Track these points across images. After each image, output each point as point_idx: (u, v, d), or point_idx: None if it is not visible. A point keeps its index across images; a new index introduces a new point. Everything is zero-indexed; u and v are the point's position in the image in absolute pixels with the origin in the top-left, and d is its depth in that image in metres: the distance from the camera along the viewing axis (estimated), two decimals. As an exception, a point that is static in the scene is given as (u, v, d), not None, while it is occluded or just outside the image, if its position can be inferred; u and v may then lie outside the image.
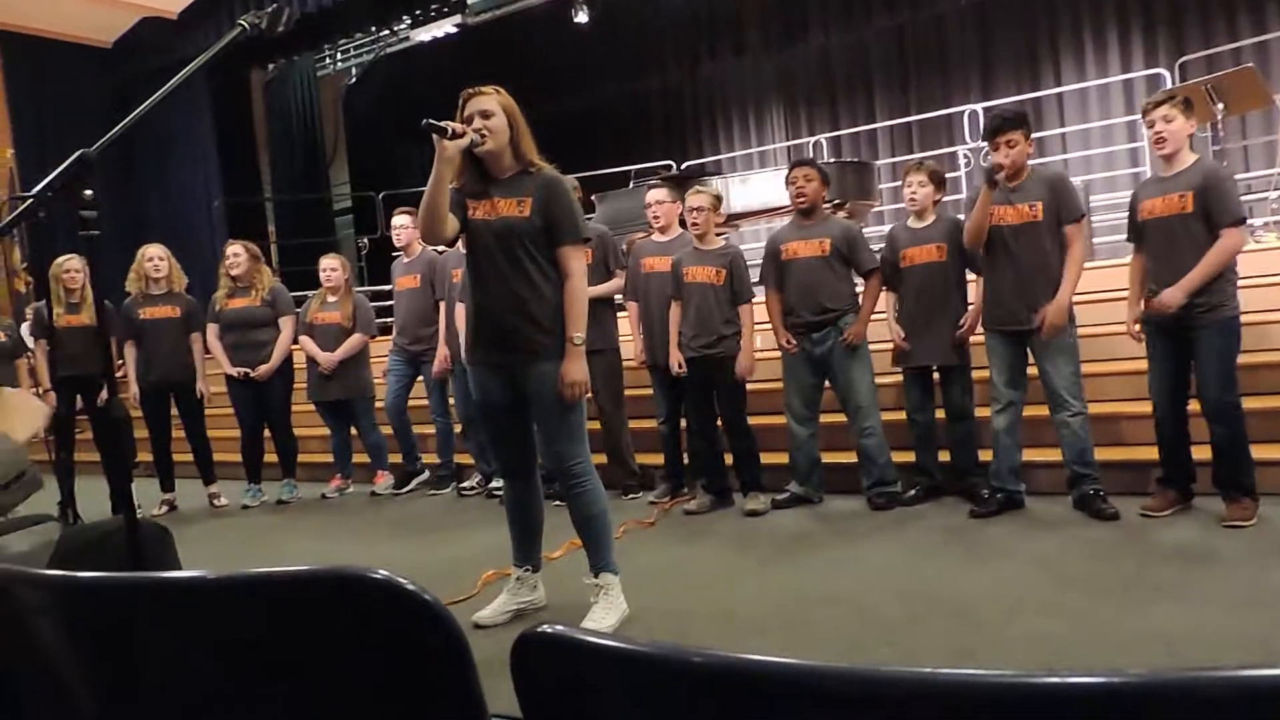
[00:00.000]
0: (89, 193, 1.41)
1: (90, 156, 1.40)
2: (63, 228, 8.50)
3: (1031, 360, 3.88)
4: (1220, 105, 5.86)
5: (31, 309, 6.02)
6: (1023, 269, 3.76)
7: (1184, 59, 8.38)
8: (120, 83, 10.41)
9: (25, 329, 6.77)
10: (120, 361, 5.65)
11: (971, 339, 4.17)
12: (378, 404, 5.80)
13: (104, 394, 5.21)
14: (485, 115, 2.77)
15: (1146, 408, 3.77)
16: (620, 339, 4.90)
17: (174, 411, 5.56)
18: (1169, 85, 7.46)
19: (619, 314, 5.00)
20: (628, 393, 4.99)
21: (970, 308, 4.12)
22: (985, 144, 3.87)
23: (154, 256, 5.45)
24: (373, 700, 0.65)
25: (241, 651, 0.72)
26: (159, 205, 10.68)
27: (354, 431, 5.82)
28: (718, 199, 4.54)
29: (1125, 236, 3.86)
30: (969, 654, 2.49)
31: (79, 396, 5.35)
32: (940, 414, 4.26)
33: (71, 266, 5.32)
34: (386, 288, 5.87)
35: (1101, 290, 5.13)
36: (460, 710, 0.61)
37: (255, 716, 0.73)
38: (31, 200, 1.37)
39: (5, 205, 8.96)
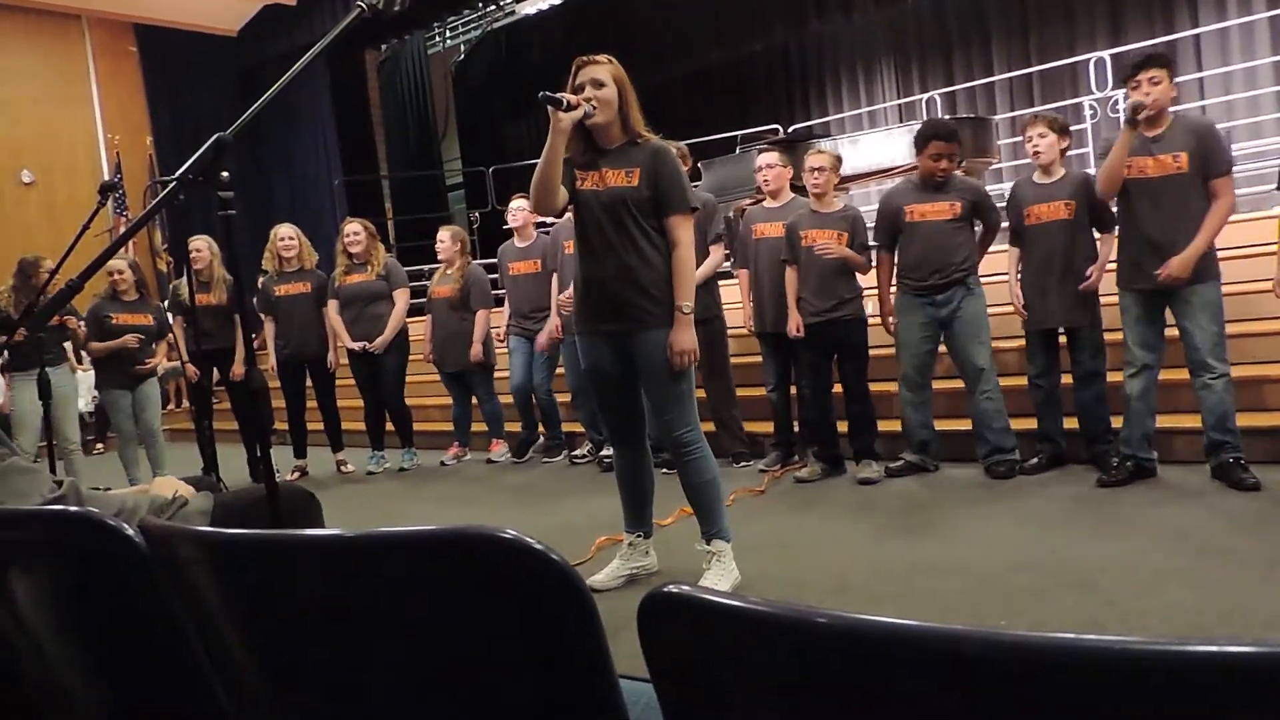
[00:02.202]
0: (226, 174, 1.49)
1: (226, 140, 1.47)
2: (197, 209, 9.03)
3: (1170, 320, 3.66)
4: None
5: (173, 286, 6.42)
6: (1164, 225, 3.50)
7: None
8: (246, 69, 10.92)
9: (166, 305, 7.21)
10: (258, 335, 5.98)
11: (1103, 298, 3.97)
12: (496, 374, 5.95)
13: (237, 366, 5.53)
14: (597, 84, 2.78)
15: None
16: (725, 307, 4.87)
17: (308, 383, 5.84)
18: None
19: (720, 282, 4.95)
20: (737, 360, 4.97)
21: (1095, 263, 3.90)
22: (1123, 88, 3.59)
23: (285, 236, 5.70)
24: (505, 656, 0.67)
25: (376, 606, 0.76)
26: (284, 185, 11.20)
27: (474, 401, 5.99)
28: (838, 159, 4.44)
29: (1275, 186, 3.58)
30: (1098, 627, 2.40)
31: (215, 369, 5.68)
32: (1067, 378, 4.08)
33: (195, 247, 5.60)
34: (494, 261, 5.98)
35: (1243, 245, 4.81)
36: (589, 667, 0.63)
37: (390, 669, 0.77)
38: (175, 183, 1.46)
39: (147, 190, 9.55)
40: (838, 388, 4.48)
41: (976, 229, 4.24)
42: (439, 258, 5.82)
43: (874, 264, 4.38)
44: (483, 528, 0.63)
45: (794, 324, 4.42)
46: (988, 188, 8.55)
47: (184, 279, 5.61)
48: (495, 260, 5.86)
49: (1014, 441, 4.13)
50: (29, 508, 1.44)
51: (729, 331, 4.91)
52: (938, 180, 4.13)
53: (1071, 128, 4.16)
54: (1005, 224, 4.28)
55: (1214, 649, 0.42)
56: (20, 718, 1.28)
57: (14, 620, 1.14)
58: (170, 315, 5.98)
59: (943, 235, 4.10)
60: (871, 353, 4.44)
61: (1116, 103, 7.82)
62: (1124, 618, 2.44)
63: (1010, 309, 4.21)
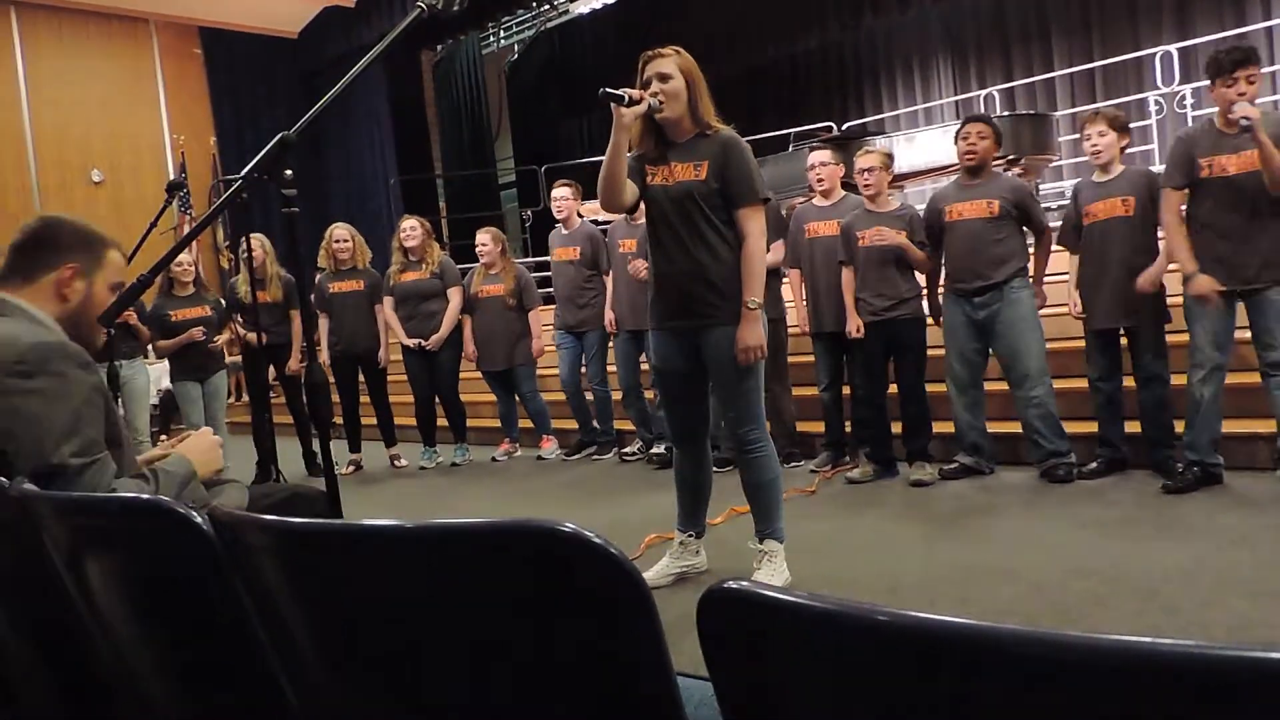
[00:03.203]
0: (289, 173, 1.53)
1: (291, 139, 1.51)
2: (256, 207, 9.20)
3: (1240, 321, 3.55)
4: None
5: (230, 283, 6.56)
6: (1249, 220, 3.42)
7: None
8: (306, 70, 11.13)
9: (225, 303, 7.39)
10: (315, 331, 6.09)
11: (1169, 298, 3.86)
12: (540, 372, 5.99)
13: (292, 362, 5.66)
14: (663, 79, 2.75)
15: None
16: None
17: (360, 379, 5.94)
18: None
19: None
20: (790, 360, 4.93)
21: (1155, 262, 3.80)
22: (1212, 83, 3.46)
23: (340, 238, 5.80)
24: (564, 649, 0.68)
25: (438, 598, 0.77)
26: (342, 184, 11.39)
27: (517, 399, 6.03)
28: (889, 158, 4.39)
29: None
30: (1160, 636, 2.33)
31: (271, 365, 5.80)
32: (1128, 381, 3.98)
33: (249, 246, 5.72)
34: (548, 259, 6.03)
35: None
36: (648, 662, 0.63)
37: (449, 660, 0.79)
38: (241, 181, 1.50)
39: (212, 189, 9.80)
40: (892, 388, 4.43)
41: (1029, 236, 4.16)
42: (482, 260, 5.85)
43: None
44: (544, 521, 0.64)
45: (854, 325, 4.37)
46: (1048, 185, 8.42)
47: (241, 275, 5.74)
48: (545, 257, 5.91)
49: (1069, 445, 4.04)
50: (101, 494, 1.49)
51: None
52: (970, 165, 4.11)
53: (1135, 124, 4.06)
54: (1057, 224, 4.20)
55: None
56: (94, 702, 1.32)
57: (88, 605, 1.18)
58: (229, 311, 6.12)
59: (981, 234, 4.05)
60: (928, 353, 4.38)
61: (1184, 98, 7.60)
62: (1188, 628, 2.37)
63: (1064, 309, 4.13)
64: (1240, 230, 3.43)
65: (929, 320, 4.37)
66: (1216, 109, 3.54)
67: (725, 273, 2.79)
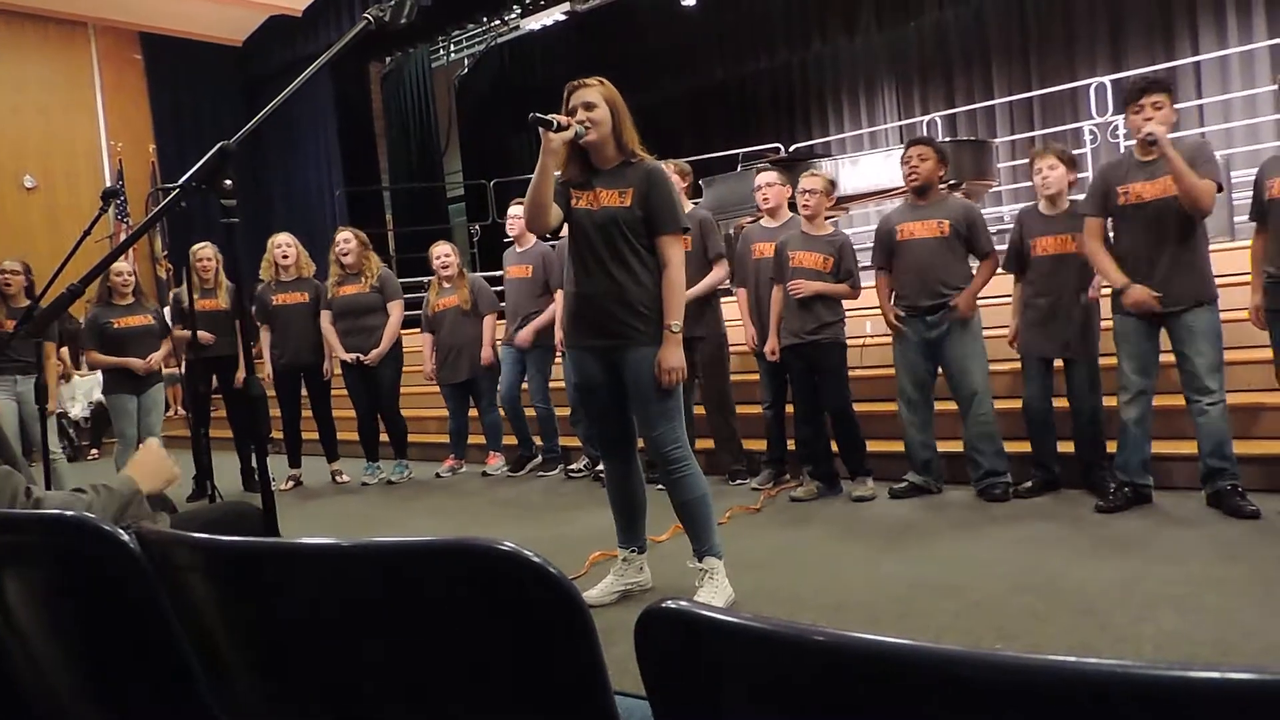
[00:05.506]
0: (229, 183, 1.50)
1: (230, 148, 1.48)
2: (198, 216, 9.00)
3: (1165, 345, 3.66)
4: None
5: (174, 294, 6.40)
6: (1164, 245, 3.53)
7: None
8: (250, 79, 10.95)
9: (168, 313, 7.22)
10: (255, 343, 5.96)
11: (1103, 322, 3.97)
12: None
13: (240, 374, 5.51)
14: (588, 107, 2.83)
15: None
16: (727, 324, 4.88)
17: (304, 392, 5.81)
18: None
19: (721, 299, 4.96)
20: (735, 378, 4.97)
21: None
22: (1125, 113, 3.60)
23: (281, 244, 5.69)
24: (500, 668, 0.67)
25: (370, 616, 0.75)
26: (285, 195, 11.21)
27: (473, 414, 5.96)
28: (831, 184, 4.47)
29: (1249, 216, 3.61)
30: (1094, 652, 2.39)
31: (214, 376, 5.66)
32: (1061, 403, 4.08)
33: (203, 255, 5.61)
34: (498, 273, 5.99)
35: (1242, 272, 4.81)
36: (585, 681, 0.63)
37: (384, 680, 0.77)
38: (178, 190, 1.47)
39: (150, 197, 9.57)
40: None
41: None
42: (446, 273, 5.78)
43: (874, 284, 4.38)
44: (480, 540, 0.63)
45: (770, 347, 4.47)
46: (988, 211, 8.62)
47: (184, 285, 5.60)
48: (496, 273, 5.87)
49: (1006, 464, 4.12)
50: (26, 511, 1.44)
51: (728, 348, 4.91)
52: (915, 187, 4.17)
53: (1073, 152, 4.18)
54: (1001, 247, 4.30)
55: (1211, 675, 0.42)
56: (10, 723, 1.27)
57: (6, 624, 1.14)
58: (173, 322, 5.97)
59: (931, 254, 4.12)
60: (870, 372, 4.44)
61: (1117, 128, 7.86)
62: (1121, 643, 2.43)
63: (1005, 333, 4.24)
64: (1157, 255, 3.54)
65: (862, 342, 4.43)
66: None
67: (645, 296, 2.86)
